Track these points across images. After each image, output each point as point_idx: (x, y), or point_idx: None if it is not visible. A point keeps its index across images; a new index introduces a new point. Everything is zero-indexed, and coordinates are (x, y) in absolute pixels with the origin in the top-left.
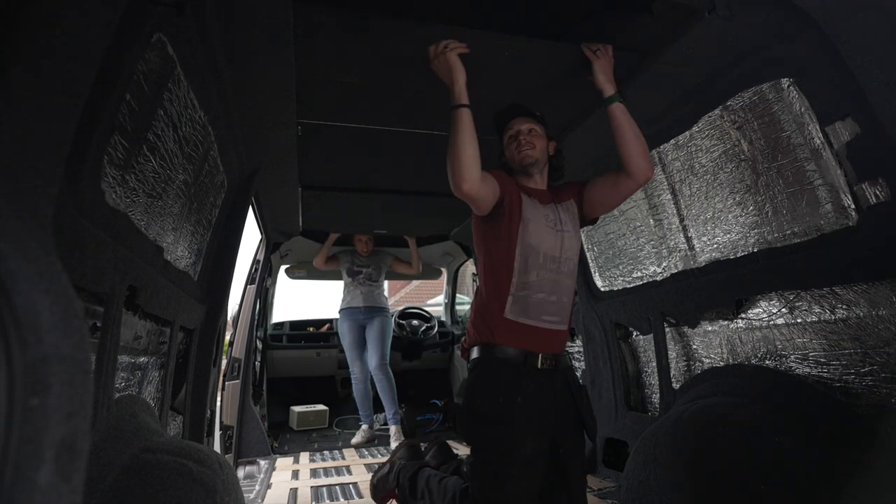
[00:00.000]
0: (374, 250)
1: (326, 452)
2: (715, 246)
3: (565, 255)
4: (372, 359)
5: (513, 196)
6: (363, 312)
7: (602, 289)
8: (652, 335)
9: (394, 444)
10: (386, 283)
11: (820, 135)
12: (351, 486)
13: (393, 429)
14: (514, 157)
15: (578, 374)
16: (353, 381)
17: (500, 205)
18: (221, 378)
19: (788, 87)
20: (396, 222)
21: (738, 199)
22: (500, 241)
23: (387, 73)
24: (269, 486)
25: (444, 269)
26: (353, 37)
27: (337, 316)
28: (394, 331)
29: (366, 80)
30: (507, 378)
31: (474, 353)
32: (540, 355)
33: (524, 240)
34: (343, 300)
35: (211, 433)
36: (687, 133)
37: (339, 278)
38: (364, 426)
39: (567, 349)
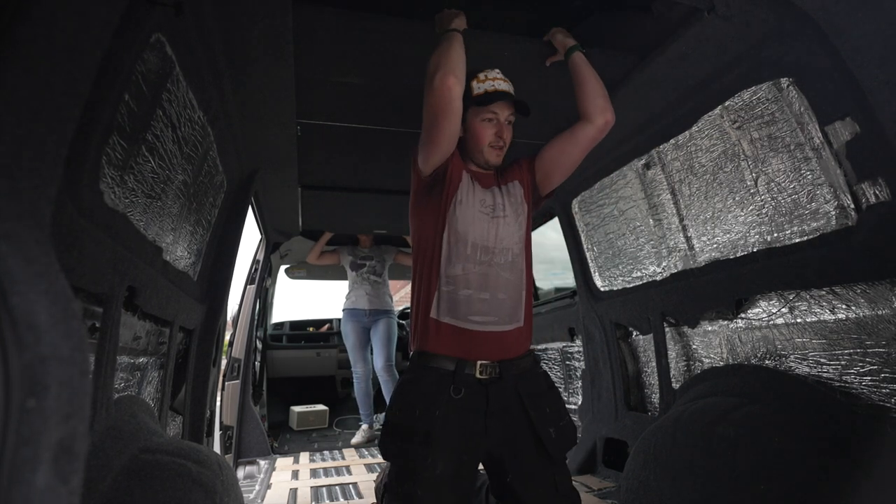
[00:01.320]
0: (376, 245)
1: (326, 452)
2: (715, 246)
3: (501, 244)
4: (378, 360)
5: (455, 169)
6: (368, 315)
7: (602, 289)
8: (652, 335)
9: None
10: (389, 283)
11: (820, 134)
12: (351, 486)
13: None
14: (480, 145)
15: (578, 374)
16: (354, 380)
17: (444, 172)
18: (221, 378)
19: (788, 86)
20: (396, 222)
21: (737, 198)
22: (428, 224)
23: (387, 73)
24: (268, 487)
25: None
26: (353, 37)
27: (337, 315)
28: None
29: (366, 80)
30: (428, 389)
31: (410, 361)
32: (477, 363)
33: (452, 224)
34: (347, 299)
35: (211, 433)
36: (686, 133)
37: (340, 277)
38: (364, 426)
39: (532, 348)
